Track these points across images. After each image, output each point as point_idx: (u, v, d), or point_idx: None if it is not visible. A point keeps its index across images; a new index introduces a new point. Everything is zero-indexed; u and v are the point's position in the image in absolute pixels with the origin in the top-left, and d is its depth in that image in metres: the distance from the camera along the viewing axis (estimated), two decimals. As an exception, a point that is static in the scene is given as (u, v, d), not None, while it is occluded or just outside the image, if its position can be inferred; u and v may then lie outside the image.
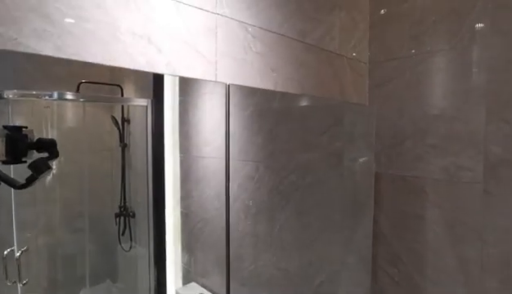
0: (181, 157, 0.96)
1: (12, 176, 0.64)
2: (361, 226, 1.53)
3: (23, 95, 0.66)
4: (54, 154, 0.67)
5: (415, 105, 1.42)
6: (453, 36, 1.30)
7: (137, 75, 0.80)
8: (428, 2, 1.37)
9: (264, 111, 1.17)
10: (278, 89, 1.16)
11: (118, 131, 0.85)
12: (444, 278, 1.37)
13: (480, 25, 1.24)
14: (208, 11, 0.94)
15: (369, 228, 1.54)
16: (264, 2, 1.09)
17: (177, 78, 0.90)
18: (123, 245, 0.90)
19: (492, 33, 1.21)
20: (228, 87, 0.98)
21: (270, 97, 1.16)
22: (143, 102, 0.86)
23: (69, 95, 0.70)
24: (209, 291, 1.04)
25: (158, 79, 0.85)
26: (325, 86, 1.35)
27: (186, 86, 0.95)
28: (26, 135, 0.64)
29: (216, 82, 0.97)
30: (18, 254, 0.70)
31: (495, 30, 1.21)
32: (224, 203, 0.99)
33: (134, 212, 0.90)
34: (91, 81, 0.68)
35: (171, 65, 0.86)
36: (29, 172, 0.64)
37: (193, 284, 1.03)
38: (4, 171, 0.62)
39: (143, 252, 0.91)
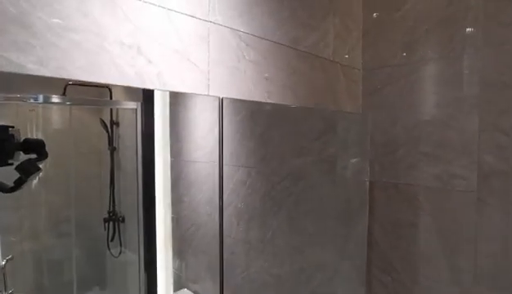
0: (171, 161, 0.96)
1: (-2, 180, 0.62)
2: (354, 233, 1.52)
3: (7, 99, 0.64)
4: (43, 155, 0.65)
5: (408, 113, 1.43)
6: (445, 45, 1.32)
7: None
8: (421, 10, 1.39)
9: (256, 115, 1.17)
10: (271, 98, 1.15)
11: (106, 134, 0.84)
12: (437, 286, 1.36)
13: (472, 35, 1.25)
14: (200, 19, 0.92)
15: (363, 235, 1.53)
16: (257, 9, 1.09)
17: (168, 92, 0.89)
18: (112, 251, 0.88)
19: (484, 43, 1.22)
20: (221, 101, 0.97)
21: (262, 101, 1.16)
22: (133, 105, 0.84)
23: (55, 99, 0.68)
24: (201, 297, 1.02)
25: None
26: (318, 93, 1.35)
27: (178, 94, 0.95)
28: (13, 135, 0.62)
29: (208, 95, 0.95)
30: (3, 263, 0.68)
31: (486, 40, 1.22)
32: (216, 208, 0.98)
33: (124, 217, 0.88)
34: (78, 82, 0.67)
35: (162, 76, 0.84)
36: (15, 175, 0.62)
37: (185, 290, 1.02)
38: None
39: (133, 258, 0.89)
